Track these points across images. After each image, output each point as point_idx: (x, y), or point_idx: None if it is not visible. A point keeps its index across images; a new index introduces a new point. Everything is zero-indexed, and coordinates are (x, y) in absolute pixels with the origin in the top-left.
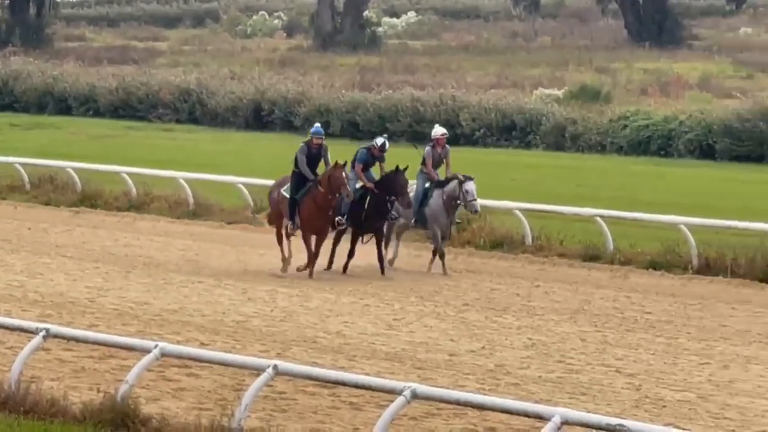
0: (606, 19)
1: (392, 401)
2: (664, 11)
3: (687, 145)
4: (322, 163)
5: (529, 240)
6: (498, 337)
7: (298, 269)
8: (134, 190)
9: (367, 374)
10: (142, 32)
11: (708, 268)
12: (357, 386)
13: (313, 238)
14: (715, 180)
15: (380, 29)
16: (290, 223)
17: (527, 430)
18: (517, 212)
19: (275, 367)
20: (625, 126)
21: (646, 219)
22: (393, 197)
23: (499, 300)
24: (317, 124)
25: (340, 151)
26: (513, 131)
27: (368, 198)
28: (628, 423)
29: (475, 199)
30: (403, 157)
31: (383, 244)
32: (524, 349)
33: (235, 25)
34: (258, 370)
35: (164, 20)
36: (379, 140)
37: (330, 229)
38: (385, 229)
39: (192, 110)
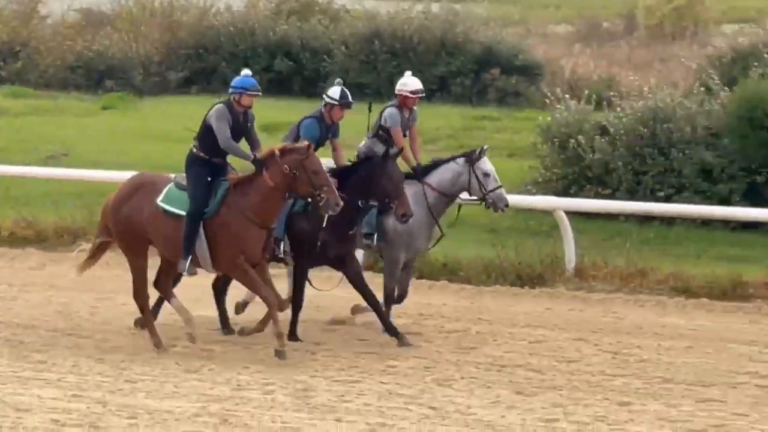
0: None
1: None
2: None
3: None
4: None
5: None
6: None
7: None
8: None
9: None
10: None
11: None
12: None
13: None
14: None
15: None
16: (186, 261)
17: None
18: None
19: None
20: None
21: None
22: (373, 200)
23: None
24: (247, 71)
25: None
26: None
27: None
28: None
29: (501, 187)
30: None
31: (362, 283)
32: None
33: None
34: None
35: None
36: (336, 90)
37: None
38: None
39: None
